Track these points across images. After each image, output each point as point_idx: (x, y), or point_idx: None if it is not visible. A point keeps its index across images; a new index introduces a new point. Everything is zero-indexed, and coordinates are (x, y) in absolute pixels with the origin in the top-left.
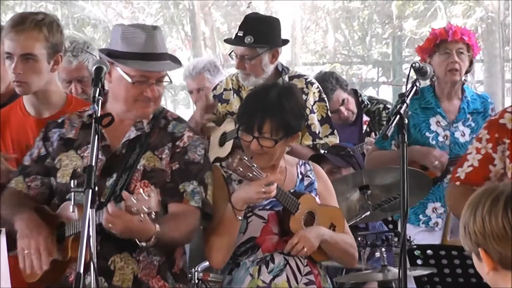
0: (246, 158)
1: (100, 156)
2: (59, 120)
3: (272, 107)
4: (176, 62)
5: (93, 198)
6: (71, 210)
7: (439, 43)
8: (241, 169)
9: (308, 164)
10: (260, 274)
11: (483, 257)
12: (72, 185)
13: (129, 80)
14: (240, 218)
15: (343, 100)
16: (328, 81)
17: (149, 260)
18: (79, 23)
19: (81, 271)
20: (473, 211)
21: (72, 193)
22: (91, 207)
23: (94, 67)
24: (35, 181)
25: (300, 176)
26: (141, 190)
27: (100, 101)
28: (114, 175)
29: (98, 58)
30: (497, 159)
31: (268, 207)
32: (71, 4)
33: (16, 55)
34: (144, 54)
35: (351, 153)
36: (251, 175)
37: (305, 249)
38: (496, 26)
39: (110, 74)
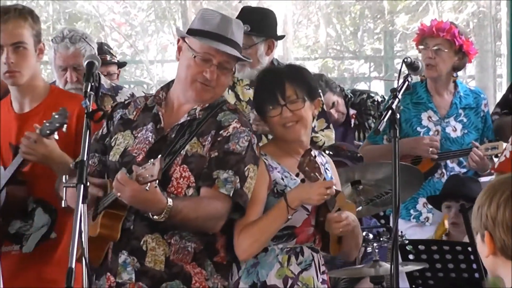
0: (313, 158)
1: (150, 139)
2: (126, 102)
3: (287, 73)
4: (245, 57)
5: (85, 193)
6: (62, 204)
7: (422, 38)
8: (308, 169)
9: (323, 156)
10: (289, 264)
11: (487, 240)
12: (63, 180)
13: (192, 54)
14: (290, 217)
15: (333, 103)
16: (318, 84)
17: (182, 245)
18: (71, 18)
19: (73, 266)
20: (490, 195)
21: (64, 188)
22: (82, 202)
23: (86, 62)
24: (93, 158)
25: (323, 167)
26: (150, 160)
27: (92, 96)
28: None
29: (95, 49)
30: None
31: None
32: (63, 0)
33: (6, 45)
34: (213, 34)
35: (359, 155)
36: (314, 175)
37: (341, 230)
38: (488, 21)
39: (180, 52)
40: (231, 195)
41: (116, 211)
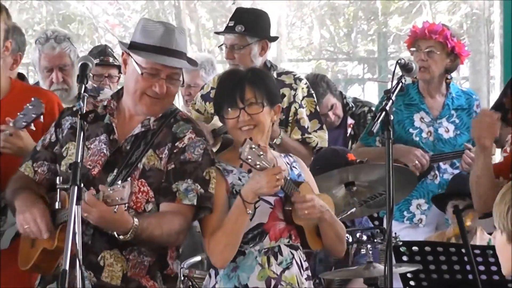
0: (255, 147)
1: (104, 151)
2: (74, 108)
3: (248, 77)
4: (192, 64)
5: (79, 195)
6: (56, 206)
7: (414, 41)
8: (251, 159)
9: (290, 156)
10: (270, 265)
11: None
12: (57, 182)
13: (139, 71)
14: (249, 212)
15: (332, 106)
16: (319, 85)
17: (139, 260)
18: (64, 20)
19: (67, 268)
20: None
21: (58, 189)
22: (76, 204)
23: (80, 64)
24: (42, 166)
25: (288, 166)
26: (119, 182)
27: (85, 98)
28: (115, 171)
29: (77, 50)
30: None
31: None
32: (56, 1)
33: None
34: (158, 48)
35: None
36: (260, 164)
37: (306, 212)
38: (481, 22)
39: (126, 66)
40: (195, 203)
41: None
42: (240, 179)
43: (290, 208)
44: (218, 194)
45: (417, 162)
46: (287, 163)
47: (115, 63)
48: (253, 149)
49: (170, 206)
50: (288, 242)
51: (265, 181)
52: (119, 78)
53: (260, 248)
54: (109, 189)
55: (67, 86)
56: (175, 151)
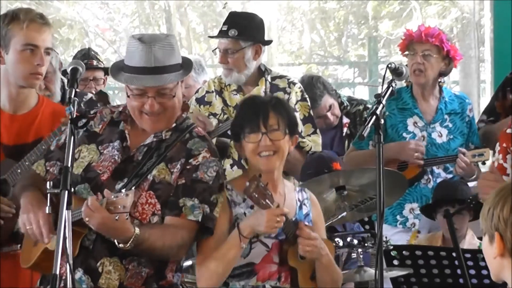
0: (263, 185)
1: (116, 158)
2: (92, 112)
3: (272, 104)
4: (179, 72)
5: (69, 199)
6: (46, 211)
7: (409, 44)
8: (256, 195)
9: (305, 192)
10: None
11: (497, 241)
12: (48, 186)
13: (127, 93)
14: (244, 246)
15: (330, 106)
16: (316, 86)
17: (137, 270)
18: (55, 24)
19: (57, 272)
20: (503, 197)
21: (48, 194)
22: (67, 209)
23: (70, 68)
24: (54, 166)
25: (298, 203)
26: (123, 190)
27: (76, 102)
28: (125, 180)
29: (59, 56)
30: (508, 168)
31: (273, 235)
32: (46, 5)
33: (41, 47)
34: (138, 68)
35: None
36: (264, 202)
37: (308, 249)
38: (472, 26)
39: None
40: (199, 220)
41: (78, 229)
42: (245, 214)
43: (287, 249)
44: (220, 221)
45: (416, 154)
46: (299, 199)
47: (100, 66)
48: (260, 187)
49: (174, 220)
50: (275, 284)
51: (265, 220)
52: (104, 80)
53: (245, 284)
54: (112, 196)
55: (50, 92)
56: (188, 167)
